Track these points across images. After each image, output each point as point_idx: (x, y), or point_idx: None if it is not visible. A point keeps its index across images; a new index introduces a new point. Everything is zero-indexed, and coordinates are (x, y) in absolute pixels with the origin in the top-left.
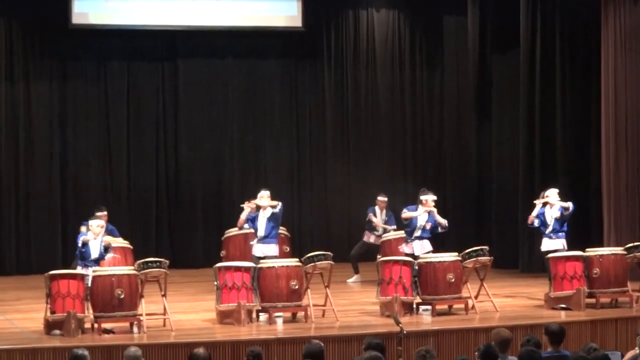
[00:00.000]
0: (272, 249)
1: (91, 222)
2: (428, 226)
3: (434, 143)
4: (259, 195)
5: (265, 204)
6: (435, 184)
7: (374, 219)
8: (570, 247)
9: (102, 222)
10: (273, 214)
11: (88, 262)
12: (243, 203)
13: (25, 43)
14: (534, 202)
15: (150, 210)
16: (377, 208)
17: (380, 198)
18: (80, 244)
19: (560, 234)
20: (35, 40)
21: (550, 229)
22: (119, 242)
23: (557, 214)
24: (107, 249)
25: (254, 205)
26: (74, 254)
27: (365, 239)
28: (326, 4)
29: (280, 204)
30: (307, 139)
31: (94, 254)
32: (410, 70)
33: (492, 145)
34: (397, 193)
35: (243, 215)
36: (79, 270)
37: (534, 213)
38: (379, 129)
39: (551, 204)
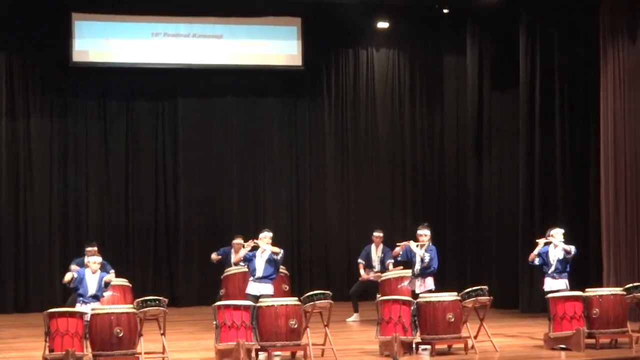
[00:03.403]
0: (268, 288)
1: (89, 259)
2: (426, 258)
3: (433, 181)
4: (261, 235)
5: (267, 247)
6: (435, 222)
7: (361, 271)
8: (570, 287)
9: (100, 259)
10: (274, 260)
11: (86, 299)
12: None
13: (26, 80)
14: (537, 241)
15: (149, 248)
16: (373, 245)
17: (376, 234)
18: (66, 280)
19: (563, 274)
20: (36, 77)
21: (553, 268)
22: (119, 280)
23: (561, 255)
24: (107, 284)
25: (252, 244)
26: (73, 290)
27: (363, 276)
28: (326, 43)
29: (282, 251)
30: (306, 178)
31: (92, 290)
32: (410, 108)
33: (491, 184)
34: (396, 230)
35: (241, 253)
36: (78, 306)
37: (536, 251)
38: (378, 167)
39: (555, 244)
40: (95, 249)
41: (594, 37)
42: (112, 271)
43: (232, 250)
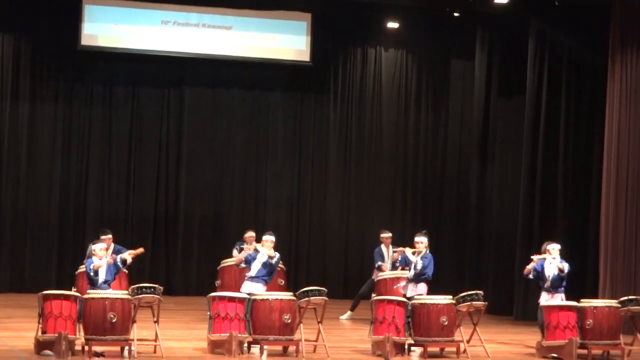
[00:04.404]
0: (259, 287)
1: (94, 247)
2: (418, 265)
3: (435, 183)
4: (264, 238)
5: (263, 250)
6: (435, 224)
7: (386, 270)
8: (566, 297)
9: (105, 245)
10: (270, 264)
11: (100, 286)
12: (244, 232)
13: (33, 62)
14: (531, 257)
15: (147, 236)
16: (382, 246)
17: (384, 235)
18: (92, 273)
19: (559, 289)
20: (44, 60)
21: (549, 283)
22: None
23: (555, 271)
24: (125, 263)
25: (253, 247)
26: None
27: (374, 276)
28: (335, 40)
29: (277, 255)
30: (308, 174)
31: (102, 277)
32: (415, 110)
33: (493, 190)
34: (395, 231)
35: (242, 255)
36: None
37: (530, 266)
38: (380, 167)
39: (550, 262)
40: (110, 236)
41: (603, 47)
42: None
43: (245, 245)
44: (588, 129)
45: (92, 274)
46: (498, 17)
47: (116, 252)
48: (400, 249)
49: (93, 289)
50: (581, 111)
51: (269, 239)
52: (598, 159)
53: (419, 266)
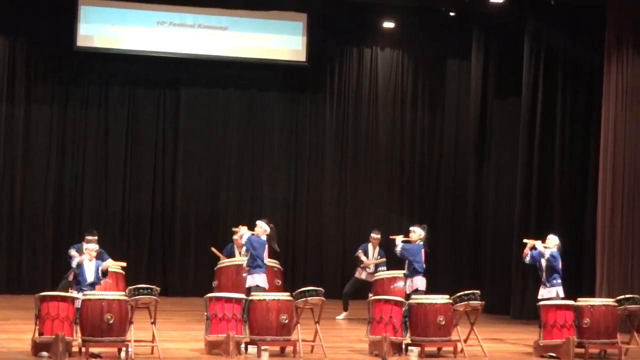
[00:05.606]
0: (251, 279)
1: (87, 246)
2: (398, 247)
3: (431, 183)
4: (257, 222)
5: (246, 233)
6: (431, 224)
7: (362, 257)
8: (565, 296)
9: (97, 246)
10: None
11: (84, 287)
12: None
13: (28, 64)
14: (524, 240)
15: (144, 237)
16: (370, 245)
17: (373, 235)
18: (75, 265)
19: (554, 282)
20: (39, 61)
21: (544, 276)
22: (114, 267)
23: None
24: (105, 273)
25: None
26: (63, 275)
27: (357, 275)
28: (331, 40)
29: (248, 234)
30: (304, 174)
31: (90, 277)
32: (412, 110)
33: (489, 190)
34: (392, 231)
35: (239, 237)
36: (74, 294)
37: (527, 249)
38: (377, 166)
39: (541, 250)
40: (96, 238)
41: (599, 47)
42: (110, 260)
43: (235, 246)
44: (584, 129)
45: (74, 266)
46: (494, 16)
47: (99, 254)
48: (394, 236)
49: (79, 289)
50: (577, 111)
51: (259, 223)
52: (594, 159)
53: (398, 248)
